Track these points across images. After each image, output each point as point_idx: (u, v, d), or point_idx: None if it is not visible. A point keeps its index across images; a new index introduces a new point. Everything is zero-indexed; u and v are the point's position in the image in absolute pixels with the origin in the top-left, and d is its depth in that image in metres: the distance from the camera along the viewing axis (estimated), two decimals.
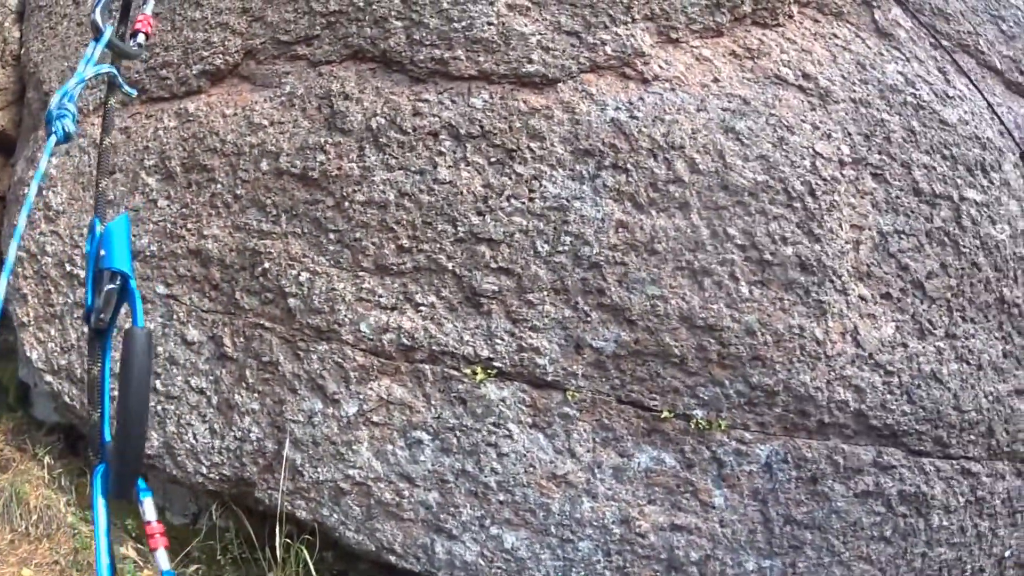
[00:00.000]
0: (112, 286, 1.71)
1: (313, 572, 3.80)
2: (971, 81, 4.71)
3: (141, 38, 2.09)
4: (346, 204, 4.00)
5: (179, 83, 4.45)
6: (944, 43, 4.73)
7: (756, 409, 3.94)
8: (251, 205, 4.12)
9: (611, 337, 3.84)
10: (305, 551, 3.81)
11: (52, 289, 4.32)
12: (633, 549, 3.82)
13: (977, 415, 4.38)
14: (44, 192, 4.48)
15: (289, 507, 3.87)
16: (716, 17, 4.28)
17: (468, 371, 3.84)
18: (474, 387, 3.83)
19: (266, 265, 4.03)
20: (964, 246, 4.38)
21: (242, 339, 4.03)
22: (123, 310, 1.74)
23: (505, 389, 3.83)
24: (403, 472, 3.81)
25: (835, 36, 4.46)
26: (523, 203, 3.90)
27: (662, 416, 3.86)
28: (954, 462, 4.34)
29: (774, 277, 3.97)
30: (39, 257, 4.48)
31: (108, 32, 1.89)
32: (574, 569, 3.79)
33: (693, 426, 3.88)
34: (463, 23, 4.13)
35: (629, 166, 3.93)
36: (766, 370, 3.93)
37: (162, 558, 1.67)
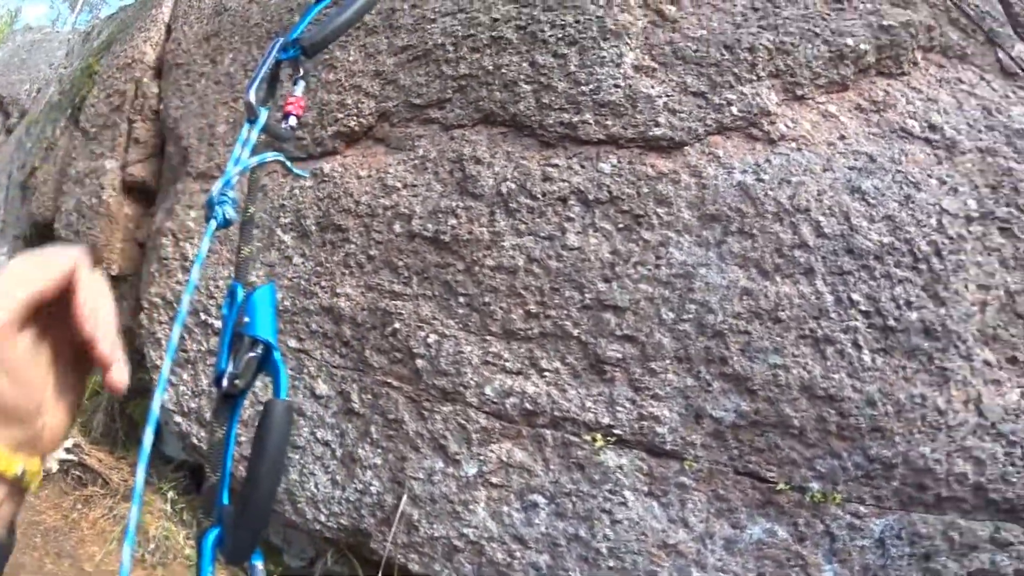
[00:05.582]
0: (253, 354, 1.64)
1: None
2: None
3: (293, 120, 1.96)
4: (476, 268, 3.84)
5: (315, 144, 4.30)
6: None
7: (873, 482, 3.71)
8: (384, 266, 3.99)
9: (731, 407, 3.63)
10: None
11: (186, 336, 4.28)
12: None
13: None
14: (181, 243, 4.41)
15: (403, 559, 3.81)
16: (841, 70, 3.93)
17: (588, 437, 3.68)
18: (593, 453, 3.68)
19: (396, 325, 3.91)
20: None
21: (369, 396, 3.94)
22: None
23: (623, 456, 3.67)
24: (516, 534, 3.70)
25: (960, 81, 4.07)
26: (649, 270, 3.68)
27: (778, 488, 3.65)
28: None
29: (897, 344, 3.70)
30: (175, 304, 4.44)
31: (263, 114, 1.75)
32: None
33: (808, 499, 3.67)
34: (591, 86, 3.88)
35: (755, 231, 3.67)
36: (885, 442, 3.69)
37: None
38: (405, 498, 3.82)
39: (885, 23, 4.04)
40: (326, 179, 4.19)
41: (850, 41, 3.97)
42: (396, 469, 3.89)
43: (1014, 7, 4.39)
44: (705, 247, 3.67)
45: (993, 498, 3.78)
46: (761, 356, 3.63)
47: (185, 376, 4.38)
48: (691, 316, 3.64)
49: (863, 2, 4.07)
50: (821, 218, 3.69)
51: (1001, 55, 4.18)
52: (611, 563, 3.65)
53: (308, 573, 4.26)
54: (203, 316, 4.36)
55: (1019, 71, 4.14)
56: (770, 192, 3.70)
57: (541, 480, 3.72)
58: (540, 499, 3.72)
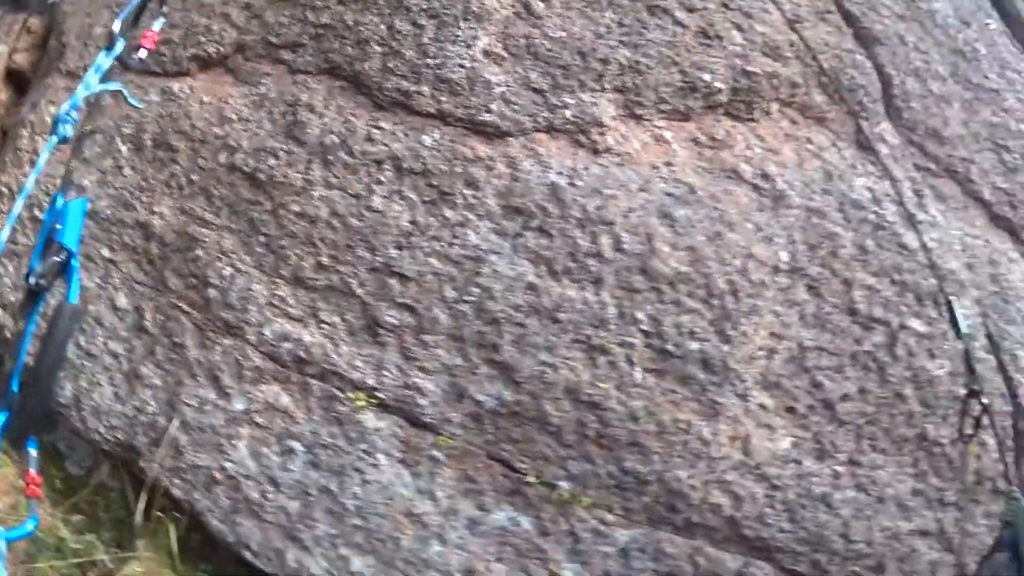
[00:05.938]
0: (58, 259, 1.68)
1: (176, 550, 3.70)
2: (948, 208, 4.24)
3: (143, 53, 2.00)
4: (281, 211, 3.84)
5: (173, 62, 4.33)
6: (930, 166, 4.27)
7: (624, 493, 3.64)
8: (200, 193, 4.00)
9: (494, 393, 3.59)
10: (173, 528, 3.72)
11: (18, 228, 4.29)
12: None
13: (867, 548, 3.96)
14: (36, 136, 4.46)
15: (167, 483, 3.77)
16: (688, 101, 3.93)
17: (352, 395, 3.65)
18: (353, 411, 3.64)
19: (198, 252, 3.91)
20: (891, 375, 3.96)
21: (161, 316, 3.92)
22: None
23: (382, 420, 3.63)
24: (272, 476, 3.66)
25: (809, 141, 4.05)
26: (442, 246, 3.67)
27: (527, 480, 3.60)
28: None
29: (672, 369, 3.65)
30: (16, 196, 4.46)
31: (119, 46, 1.81)
32: None
33: (556, 496, 3.61)
34: (437, 60, 3.90)
35: (554, 232, 3.65)
36: (642, 457, 3.63)
37: (31, 505, 1.67)
38: (176, 423, 3.80)
39: (749, 69, 4.04)
40: (172, 99, 4.21)
41: (707, 77, 3.97)
42: (172, 393, 3.86)
43: (893, 88, 4.39)
44: (501, 236, 3.65)
45: (746, 534, 3.72)
46: (532, 351, 3.60)
47: (11, 268, 4.39)
48: (472, 299, 3.62)
49: (734, 45, 4.07)
50: (624, 234, 3.67)
51: (864, 126, 4.16)
52: (356, 521, 3.61)
53: (84, 482, 4.23)
54: (37, 212, 4.38)
55: (872, 147, 4.11)
56: (579, 198, 3.68)
57: (301, 428, 3.70)
58: (298, 446, 3.69)
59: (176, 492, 3.78)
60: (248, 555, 3.67)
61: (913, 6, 4.65)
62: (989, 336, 4.31)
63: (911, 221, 4.09)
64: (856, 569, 3.99)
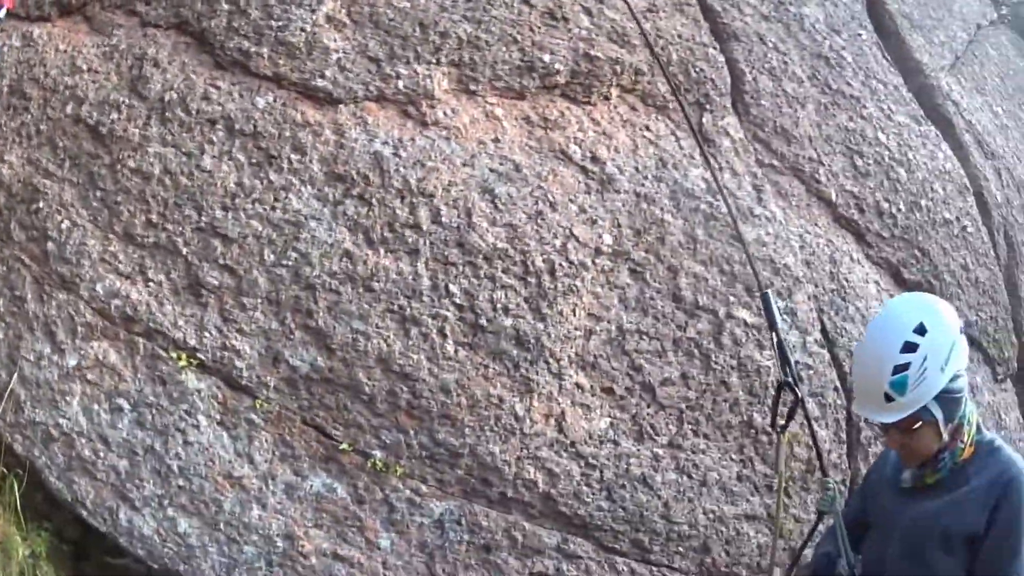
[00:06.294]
0: None
1: (19, 507, 3.72)
2: (790, 206, 4.27)
3: (3, 12, 2.03)
4: (119, 166, 3.85)
5: (36, 7, 4.34)
6: (774, 162, 4.29)
7: (437, 465, 3.68)
8: (47, 143, 4.00)
9: (308, 359, 3.61)
10: (16, 485, 3.74)
11: None
12: (294, 566, 3.61)
13: (691, 529, 4.01)
14: None
15: (9, 438, 3.80)
16: (524, 80, 3.96)
17: (175, 355, 3.66)
18: (176, 371, 3.65)
19: (40, 204, 3.92)
20: (716, 363, 4.01)
21: (4, 268, 3.93)
22: None
23: (203, 381, 3.64)
24: (102, 434, 3.67)
25: (647, 128, 4.09)
26: (265, 209, 3.69)
27: (341, 447, 3.62)
28: (655, 568, 4.00)
29: (484, 343, 3.69)
30: None
31: None
32: (237, 569, 3.60)
33: (370, 465, 3.64)
34: (280, 23, 3.92)
35: (374, 201, 3.68)
36: (454, 430, 3.66)
37: None
38: (16, 377, 3.83)
39: (593, 53, 4.07)
40: (31, 44, 4.20)
41: (547, 58, 3.99)
42: (12, 347, 3.87)
43: (745, 85, 4.41)
44: (323, 202, 3.68)
45: (563, 511, 3.76)
46: (346, 318, 3.63)
47: None
48: (290, 263, 3.65)
49: (581, 28, 4.10)
50: (443, 207, 3.70)
51: (706, 119, 4.19)
52: (180, 482, 3.63)
53: None
54: None
55: (716, 139, 4.14)
56: (402, 169, 3.71)
57: (128, 386, 3.71)
58: (125, 404, 3.71)
59: (18, 448, 3.76)
60: (84, 513, 3.67)
61: (781, 9, 4.69)
62: (824, 331, 4.36)
63: (749, 214, 4.12)
64: (680, 550, 4.04)
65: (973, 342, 4.97)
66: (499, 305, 3.71)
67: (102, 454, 3.65)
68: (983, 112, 5.72)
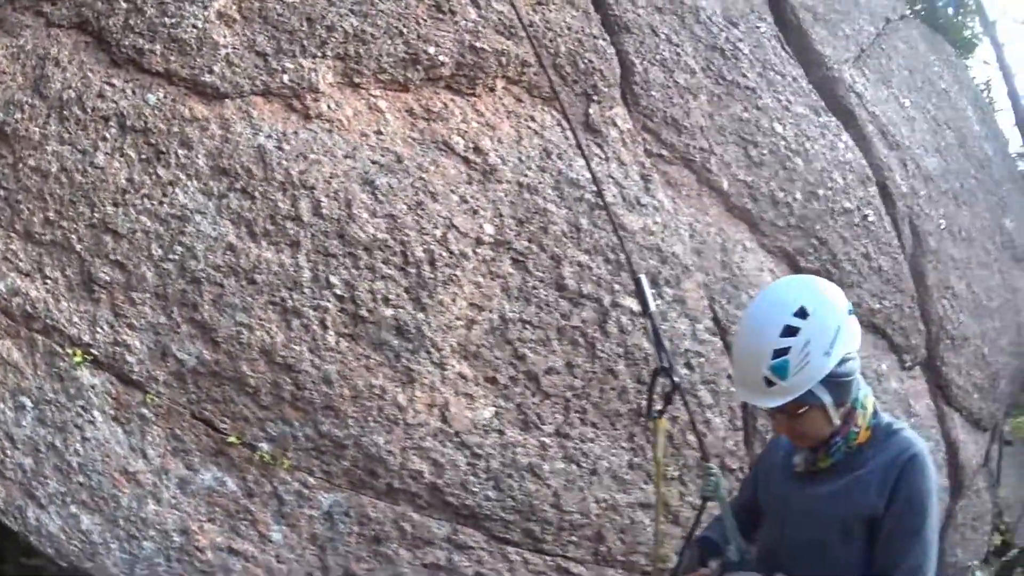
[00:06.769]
0: None
1: None
2: (679, 195, 4.33)
3: None
4: (20, 165, 3.92)
5: None
6: (663, 152, 4.36)
7: (323, 457, 3.78)
8: None
9: (195, 353, 3.70)
10: None
11: None
12: (192, 561, 3.70)
13: (583, 518, 4.10)
14: None
15: None
16: (409, 73, 4.04)
17: (70, 351, 3.74)
18: (72, 368, 3.73)
19: None
20: (602, 351, 4.09)
21: None
22: None
23: (97, 377, 3.72)
24: (8, 432, 3.72)
25: (532, 119, 4.16)
26: (153, 204, 3.78)
27: (229, 440, 3.71)
28: (548, 558, 4.09)
29: (365, 334, 3.78)
30: None
31: None
32: (138, 565, 3.68)
33: (258, 458, 3.73)
34: (173, 20, 3.98)
35: (257, 194, 3.77)
36: (338, 421, 3.76)
37: None
38: None
39: (479, 45, 4.15)
40: None
41: (432, 50, 4.07)
42: None
43: (635, 76, 4.47)
44: (207, 196, 3.77)
45: (451, 501, 3.86)
46: (230, 311, 3.72)
47: None
48: (176, 258, 3.73)
49: (467, 20, 4.17)
50: (324, 199, 3.79)
51: (593, 110, 4.26)
52: (81, 479, 3.71)
53: None
54: None
55: (602, 130, 4.21)
56: (284, 162, 3.80)
57: (30, 384, 3.78)
58: (27, 402, 3.77)
59: None
60: None
61: (676, 1, 4.73)
62: (716, 319, 4.42)
63: (635, 204, 4.19)
64: (573, 539, 4.11)
65: (876, 329, 5.02)
66: (379, 296, 3.80)
67: (9, 452, 3.71)
68: (888, 104, 5.77)
